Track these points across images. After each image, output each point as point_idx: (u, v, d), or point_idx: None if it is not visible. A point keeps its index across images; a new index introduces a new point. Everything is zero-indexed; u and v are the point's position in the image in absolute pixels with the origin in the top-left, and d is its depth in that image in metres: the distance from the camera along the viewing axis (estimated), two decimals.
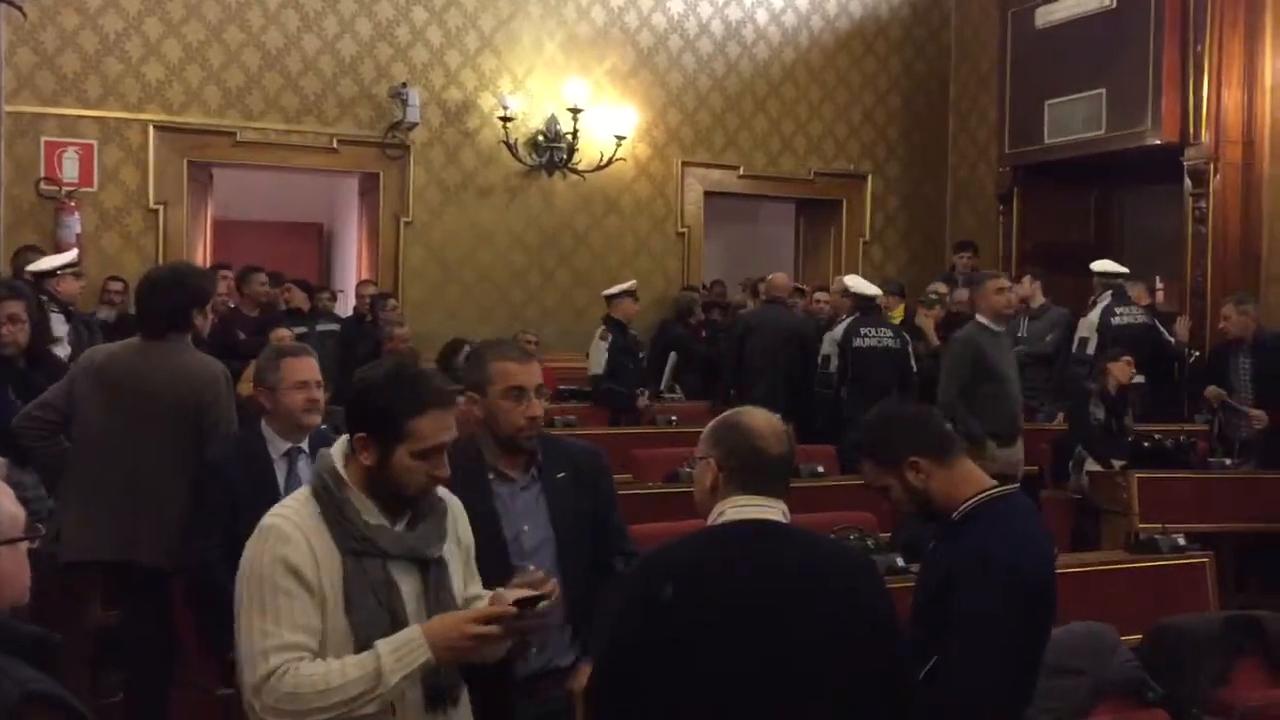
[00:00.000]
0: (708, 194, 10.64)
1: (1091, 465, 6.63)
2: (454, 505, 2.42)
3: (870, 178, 11.14)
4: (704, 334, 9.46)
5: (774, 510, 2.26)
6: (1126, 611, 4.01)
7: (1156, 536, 4.74)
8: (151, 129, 8.90)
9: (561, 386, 8.74)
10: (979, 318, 6.33)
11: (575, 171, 9.94)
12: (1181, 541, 4.69)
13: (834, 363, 7.46)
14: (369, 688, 2.10)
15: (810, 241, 11.53)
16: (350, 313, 9.42)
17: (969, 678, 2.32)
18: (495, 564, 2.59)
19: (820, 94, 10.95)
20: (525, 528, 2.81)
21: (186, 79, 9.01)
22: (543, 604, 2.22)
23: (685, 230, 10.51)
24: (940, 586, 2.44)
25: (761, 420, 2.34)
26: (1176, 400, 8.16)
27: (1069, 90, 9.10)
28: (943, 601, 2.41)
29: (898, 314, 8.70)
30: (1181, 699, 3.62)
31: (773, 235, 12.51)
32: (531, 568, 2.42)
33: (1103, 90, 8.83)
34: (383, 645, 2.14)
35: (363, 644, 2.15)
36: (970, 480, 2.55)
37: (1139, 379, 7.40)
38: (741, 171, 10.69)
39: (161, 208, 8.96)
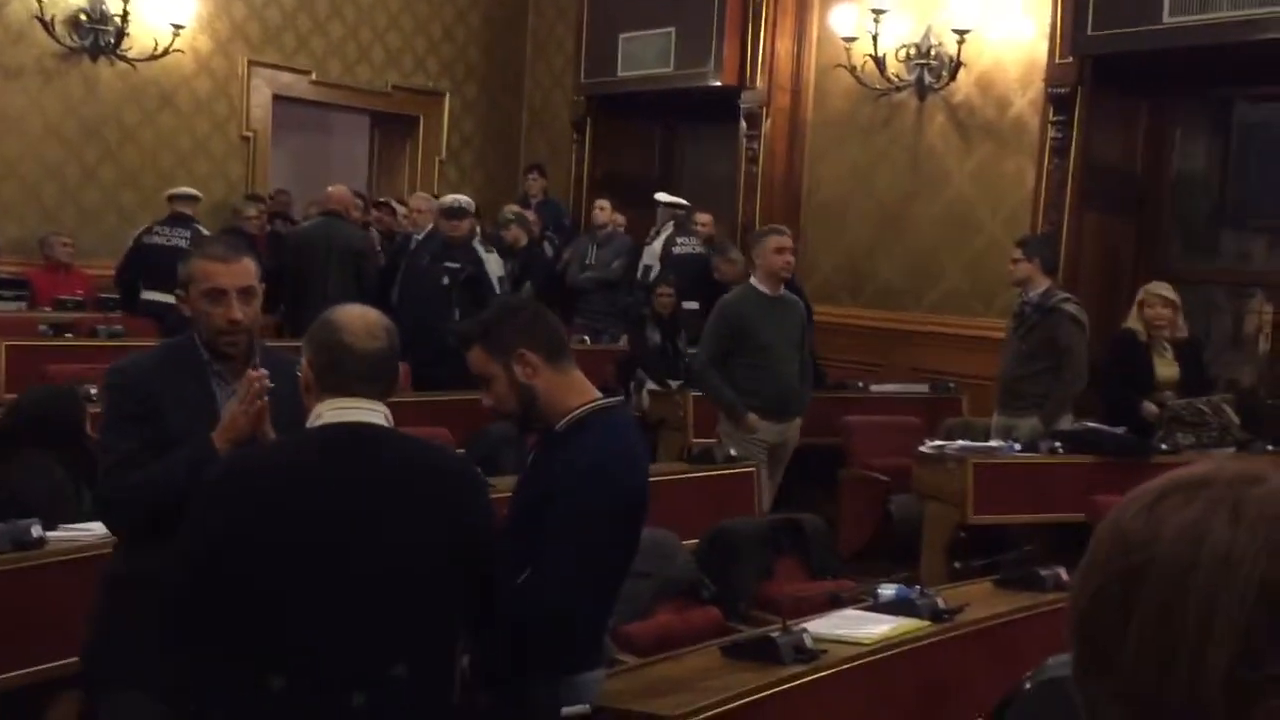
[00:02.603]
0: (276, 98, 10.00)
1: (651, 385, 7.01)
2: None
3: (448, 96, 10.96)
4: (267, 245, 8.94)
5: (372, 413, 2.14)
6: (686, 518, 4.26)
7: (711, 448, 5.09)
8: None
9: (104, 295, 7.97)
10: (753, 279, 5.67)
11: (124, 59, 8.96)
12: (733, 453, 5.07)
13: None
14: None
15: (385, 157, 11.21)
16: None
17: (558, 587, 2.31)
18: None
19: (400, 4, 10.58)
20: None
21: None
22: None
23: (251, 134, 9.83)
24: (541, 497, 2.41)
25: (353, 315, 2.21)
26: None
27: (642, 26, 9.37)
28: (542, 512, 2.38)
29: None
30: (732, 594, 3.92)
31: (346, 148, 12.04)
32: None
33: (672, 29, 9.19)
34: None
35: None
36: (578, 390, 2.50)
37: (693, 306, 7.90)
38: (314, 77, 10.13)
39: None
